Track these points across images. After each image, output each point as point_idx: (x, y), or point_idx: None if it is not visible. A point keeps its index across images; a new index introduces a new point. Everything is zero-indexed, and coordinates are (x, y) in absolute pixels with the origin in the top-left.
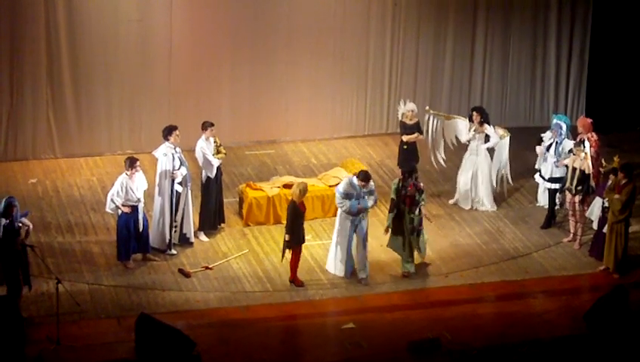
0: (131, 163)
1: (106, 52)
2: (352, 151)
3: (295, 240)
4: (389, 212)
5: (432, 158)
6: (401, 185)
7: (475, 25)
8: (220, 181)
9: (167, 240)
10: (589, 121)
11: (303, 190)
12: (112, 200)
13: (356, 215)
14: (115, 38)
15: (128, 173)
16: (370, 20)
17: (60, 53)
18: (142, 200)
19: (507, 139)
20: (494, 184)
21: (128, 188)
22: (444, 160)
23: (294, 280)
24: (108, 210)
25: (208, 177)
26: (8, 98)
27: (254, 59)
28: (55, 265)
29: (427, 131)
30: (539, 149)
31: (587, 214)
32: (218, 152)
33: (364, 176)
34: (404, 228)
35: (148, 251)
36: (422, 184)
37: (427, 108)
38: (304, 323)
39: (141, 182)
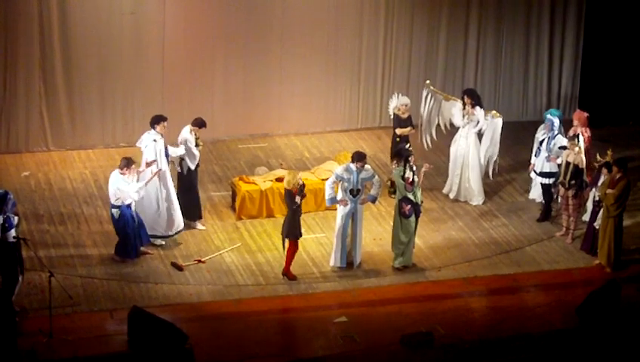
0: (127, 163)
1: (99, 45)
2: (345, 144)
3: (292, 234)
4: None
5: (423, 138)
6: (404, 170)
7: (468, 19)
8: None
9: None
10: (585, 115)
11: (293, 177)
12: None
13: (330, 204)
14: (108, 31)
15: (122, 171)
16: (364, 14)
17: (52, 46)
18: (142, 195)
19: (500, 120)
20: (482, 163)
21: (126, 185)
22: (433, 140)
23: (287, 274)
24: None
25: (189, 168)
26: (1, 91)
27: (248, 53)
28: (47, 258)
29: (423, 107)
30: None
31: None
32: (197, 145)
33: (359, 156)
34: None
35: (147, 241)
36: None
37: (427, 82)
38: (297, 316)
39: (130, 181)
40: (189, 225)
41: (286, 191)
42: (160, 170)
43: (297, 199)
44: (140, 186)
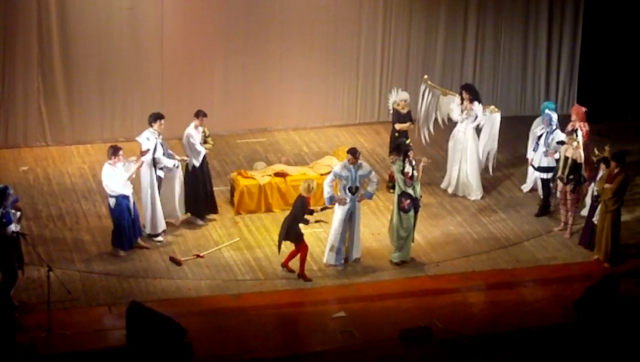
0: (114, 152)
1: (98, 40)
2: (343, 139)
3: (294, 237)
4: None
5: (420, 132)
6: (403, 165)
7: (466, 14)
8: (207, 170)
9: (158, 222)
10: (584, 110)
11: (311, 186)
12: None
13: (330, 204)
14: (107, 27)
15: (111, 161)
16: (362, 11)
17: (51, 41)
18: (130, 187)
19: (498, 115)
20: (481, 157)
21: (115, 176)
22: (431, 135)
23: (302, 276)
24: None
25: (194, 165)
26: (0, 86)
27: (247, 49)
28: (46, 252)
29: (420, 102)
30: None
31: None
32: (205, 142)
33: (352, 151)
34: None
35: (141, 235)
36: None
37: (425, 77)
38: (295, 311)
39: (122, 171)
40: (189, 221)
41: (299, 197)
42: (142, 162)
43: (308, 218)
44: (125, 178)
